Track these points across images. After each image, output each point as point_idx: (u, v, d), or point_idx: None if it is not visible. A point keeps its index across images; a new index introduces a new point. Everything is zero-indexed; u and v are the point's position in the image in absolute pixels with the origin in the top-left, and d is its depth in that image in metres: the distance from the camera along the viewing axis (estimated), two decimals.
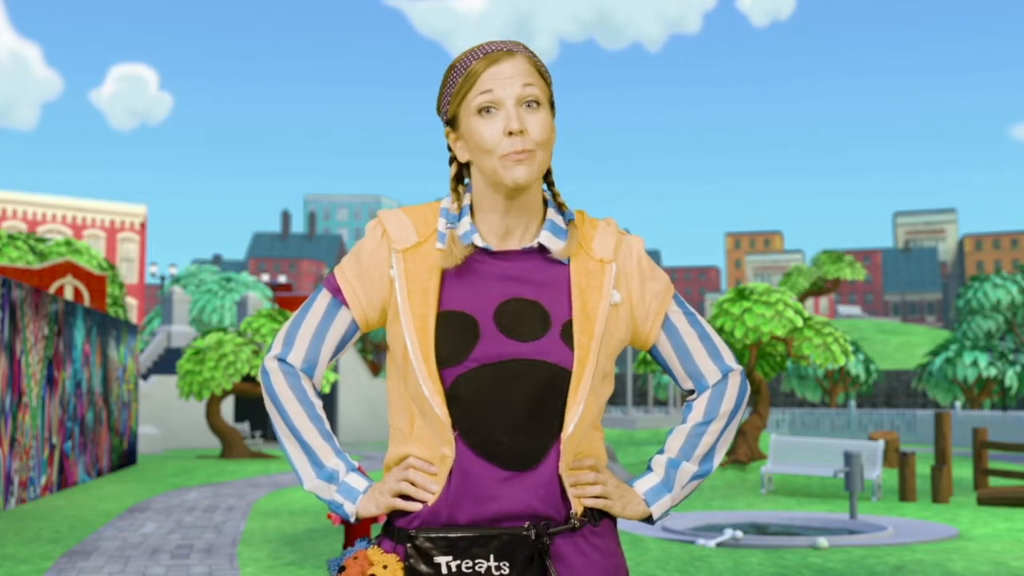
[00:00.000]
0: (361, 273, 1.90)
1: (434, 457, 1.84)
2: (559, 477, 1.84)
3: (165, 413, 33.09)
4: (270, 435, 37.31)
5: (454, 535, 1.79)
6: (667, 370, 1.99)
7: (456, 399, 1.82)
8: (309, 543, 10.92)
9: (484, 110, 1.81)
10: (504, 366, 1.81)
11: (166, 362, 36.90)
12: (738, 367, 1.98)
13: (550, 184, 1.94)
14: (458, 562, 1.79)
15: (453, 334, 1.82)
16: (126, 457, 22.20)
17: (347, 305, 1.91)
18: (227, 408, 34.41)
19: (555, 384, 1.82)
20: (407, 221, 1.90)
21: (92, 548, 10.53)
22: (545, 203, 1.93)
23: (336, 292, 1.92)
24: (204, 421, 33.31)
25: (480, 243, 1.87)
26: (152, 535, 11.60)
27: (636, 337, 1.95)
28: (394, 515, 1.88)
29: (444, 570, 1.79)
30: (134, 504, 14.96)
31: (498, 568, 1.79)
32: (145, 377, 36.23)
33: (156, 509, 14.30)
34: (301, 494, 16.72)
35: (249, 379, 27.46)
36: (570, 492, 1.84)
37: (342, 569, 1.83)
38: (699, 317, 1.97)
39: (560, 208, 1.93)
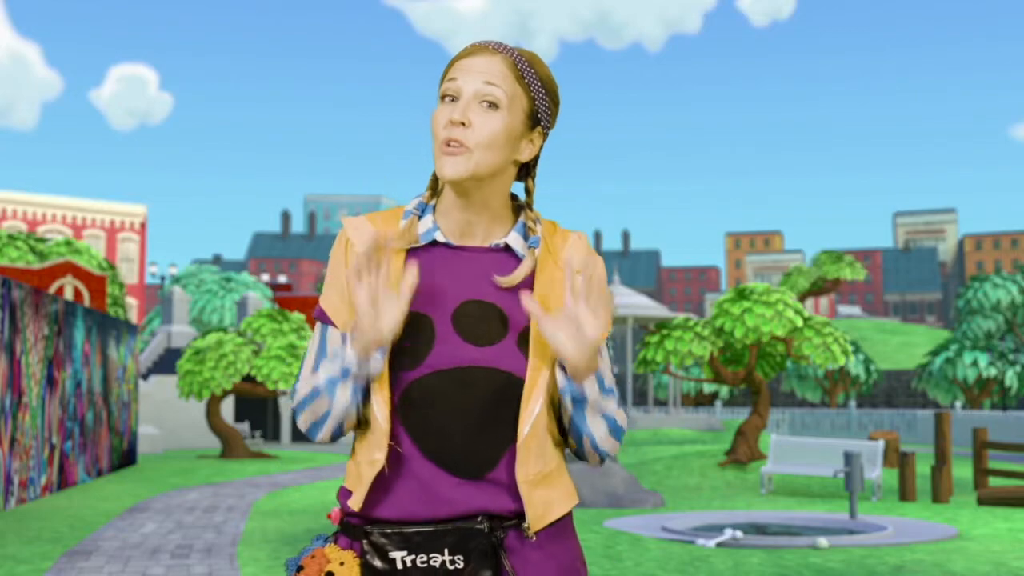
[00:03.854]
0: (335, 284, 1.90)
1: (368, 461, 1.83)
2: (514, 482, 1.83)
3: (165, 413, 33.09)
4: (270, 435, 37.32)
5: (409, 530, 1.80)
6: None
7: (408, 405, 1.82)
8: (309, 543, 10.91)
9: (446, 97, 1.82)
10: (457, 373, 1.80)
11: (166, 362, 36.90)
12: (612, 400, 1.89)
13: (528, 203, 1.93)
14: (413, 557, 1.80)
15: (409, 337, 1.82)
16: (126, 457, 22.19)
17: (333, 324, 1.90)
18: (227, 408, 34.40)
19: (508, 392, 1.81)
20: (370, 228, 1.89)
21: (92, 548, 10.53)
22: (517, 211, 1.93)
23: (321, 317, 1.91)
24: (204, 421, 33.31)
25: (441, 239, 1.87)
26: (152, 535, 11.60)
27: None
28: (348, 512, 1.88)
29: (399, 565, 1.80)
30: (134, 504, 14.96)
31: (452, 562, 1.79)
32: (145, 377, 36.22)
33: (156, 509, 14.30)
34: (301, 494, 16.72)
35: (249, 379, 27.46)
36: (525, 495, 1.82)
37: (300, 568, 1.84)
38: (610, 369, 1.92)
39: (529, 230, 1.90)
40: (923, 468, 22.39)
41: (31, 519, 12.91)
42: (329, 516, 1.83)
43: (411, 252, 1.89)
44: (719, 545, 10.86)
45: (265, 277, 63.96)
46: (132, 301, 72.17)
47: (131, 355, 22.73)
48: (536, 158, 1.94)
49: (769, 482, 18.02)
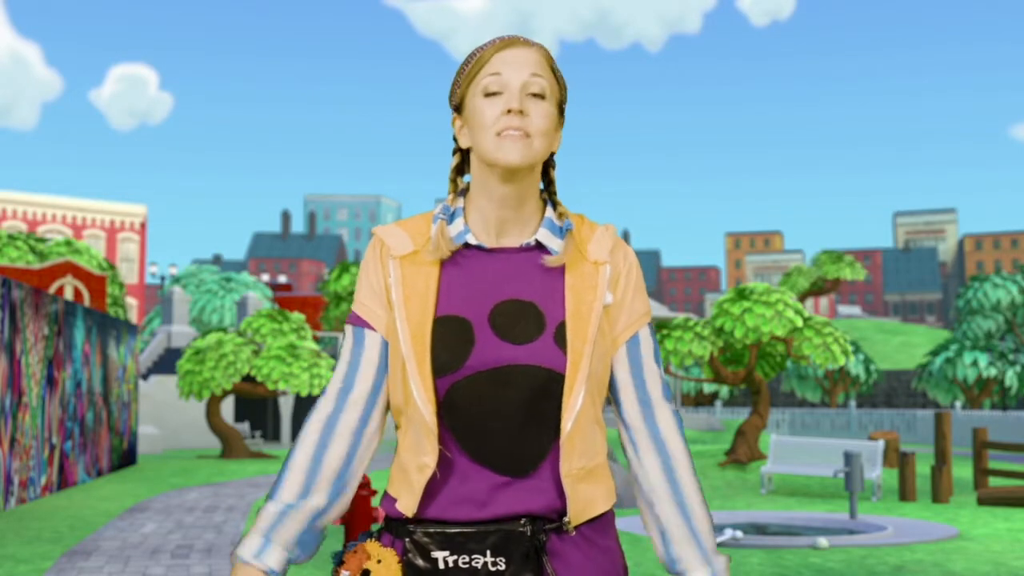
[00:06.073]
0: (370, 290, 1.90)
1: (416, 466, 1.83)
2: (558, 479, 1.84)
3: (165, 413, 33.09)
4: (270, 435, 37.34)
5: (451, 530, 1.81)
6: (612, 382, 1.94)
7: (451, 407, 1.82)
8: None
9: (491, 93, 1.83)
10: (498, 373, 1.80)
11: (166, 362, 36.90)
12: (672, 404, 1.95)
13: (551, 193, 1.94)
14: (455, 557, 1.80)
15: (449, 341, 1.82)
16: (126, 457, 22.19)
17: (371, 327, 1.89)
18: (227, 408, 34.41)
19: (549, 389, 1.81)
20: (402, 233, 1.90)
21: (92, 548, 10.53)
22: (544, 204, 1.93)
23: (357, 322, 1.91)
24: (204, 421, 33.32)
25: (474, 241, 1.87)
26: (152, 535, 11.60)
27: None
28: (391, 510, 1.88)
29: (441, 565, 1.81)
30: (134, 504, 14.96)
31: (494, 564, 1.80)
32: (145, 377, 36.23)
33: (156, 509, 14.30)
34: None
35: (249, 379, 27.46)
36: (568, 489, 1.82)
37: (342, 562, 1.85)
38: (660, 354, 1.96)
39: (560, 216, 1.92)
40: (923, 468, 22.39)
41: (31, 519, 12.91)
42: None
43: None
44: (719, 545, 10.86)
45: (265, 277, 63.98)
46: (132, 301, 72.18)
47: (131, 355, 22.74)
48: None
49: (769, 482, 18.02)
